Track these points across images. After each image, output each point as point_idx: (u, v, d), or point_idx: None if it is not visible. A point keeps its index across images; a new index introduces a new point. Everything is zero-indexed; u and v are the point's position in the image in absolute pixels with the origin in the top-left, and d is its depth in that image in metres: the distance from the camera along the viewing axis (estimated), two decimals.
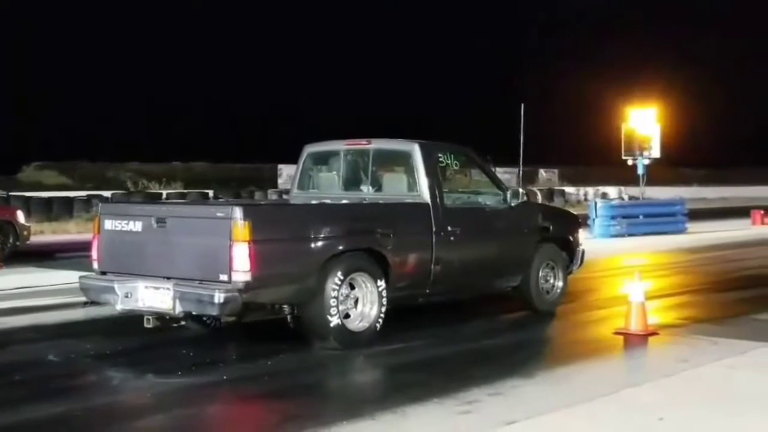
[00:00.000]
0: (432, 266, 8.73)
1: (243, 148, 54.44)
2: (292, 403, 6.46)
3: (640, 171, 26.32)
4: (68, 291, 11.29)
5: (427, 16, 71.09)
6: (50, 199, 29.29)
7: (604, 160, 42.72)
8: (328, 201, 9.31)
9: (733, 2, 65.65)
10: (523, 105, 14.45)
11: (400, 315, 8.67)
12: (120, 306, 8.04)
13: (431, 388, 6.60)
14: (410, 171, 9.08)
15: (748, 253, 17.68)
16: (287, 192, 12.04)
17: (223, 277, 7.32)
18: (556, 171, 53.79)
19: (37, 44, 58.55)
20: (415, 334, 8.75)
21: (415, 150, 9.04)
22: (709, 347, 8.16)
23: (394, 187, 9.30)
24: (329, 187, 9.81)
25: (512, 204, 9.71)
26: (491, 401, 6.29)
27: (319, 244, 7.84)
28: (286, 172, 46.19)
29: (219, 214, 7.56)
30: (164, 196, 30.36)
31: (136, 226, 8.03)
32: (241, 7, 69.35)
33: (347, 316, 8.05)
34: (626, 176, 31.93)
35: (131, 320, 8.47)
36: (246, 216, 7.32)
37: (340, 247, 7.94)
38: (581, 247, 10.76)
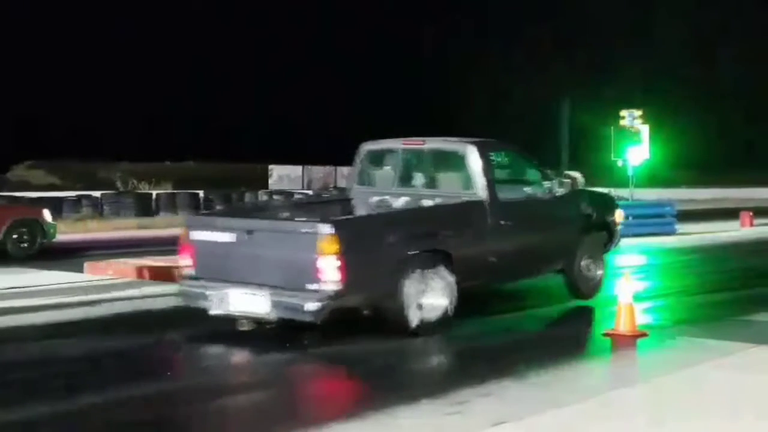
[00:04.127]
0: (488, 258, 9.33)
1: (237, 148, 54.33)
2: (279, 404, 6.48)
3: (629, 172, 26.42)
4: (61, 291, 11.34)
5: (429, 13, 70.84)
6: (39, 199, 29.16)
7: (592, 161, 42.83)
8: (387, 198, 10.06)
9: (728, 3, 65.75)
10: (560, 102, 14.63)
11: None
12: (214, 311, 8.48)
13: (421, 388, 6.63)
14: (466, 170, 9.61)
15: (736, 255, 17.77)
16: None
17: (314, 286, 7.84)
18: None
19: (31, 43, 58.31)
20: (407, 334, 8.77)
21: (472, 150, 9.60)
22: (697, 348, 8.21)
23: (450, 186, 9.83)
24: (385, 184, 10.30)
25: (558, 194, 10.28)
26: (481, 402, 6.33)
27: (397, 248, 8.41)
28: (277, 173, 46.20)
29: (307, 230, 8.06)
30: (154, 196, 30.32)
31: (226, 237, 8.50)
32: (235, 9, 69.15)
33: (421, 307, 8.54)
34: (615, 177, 32.03)
35: (123, 320, 8.50)
36: (334, 230, 7.84)
37: (415, 250, 8.53)
38: (619, 227, 11.41)
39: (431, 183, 10.07)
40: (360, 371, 7.75)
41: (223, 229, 8.61)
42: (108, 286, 12.22)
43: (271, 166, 45.30)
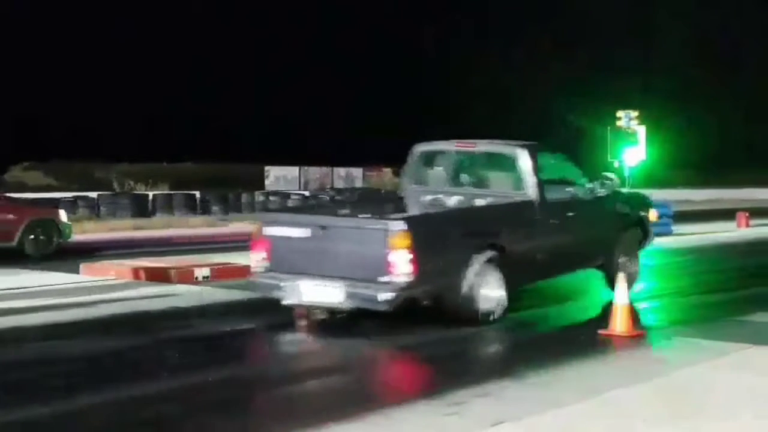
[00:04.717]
0: (537, 254, 9.89)
1: (236, 148, 54.24)
2: (275, 405, 6.50)
3: (625, 173, 26.48)
4: (58, 292, 11.34)
5: (429, 13, 70.64)
6: (36, 200, 29.11)
7: (589, 162, 42.86)
8: (441, 196, 10.61)
9: (728, 3, 65.71)
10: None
11: (387, 316, 8.76)
12: (287, 300, 9.05)
13: (419, 389, 6.65)
14: (517, 172, 10.18)
15: (732, 255, 17.80)
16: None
17: (386, 278, 8.39)
18: None
19: (31, 43, 58.23)
20: (403, 336, 8.82)
21: (523, 153, 10.18)
22: (693, 349, 8.24)
23: (502, 186, 10.41)
24: (438, 183, 10.87)
25: (599, 194, 10.86)
26: (479, 402, 6.34)
27: (460, 243, 9.00)
28: (273, 173, 46.13)
29: (381, 226, 8.60)
30: (150, 197, 30.36)
31: (300, 232, 9.03)
32: (235, 9, 69.07)
33: (480, 298, 9.09)
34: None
35: (122, 321, 8.52)
36: (407, 226, 8.43)
37: (475, 245, 9.08)
38: (652, 225, 12.09)
39: (482, 183, 10.65)
40: (348, 371, 7.78)
41: (299, 225, 9.13)
42: (105, 287, 12.24)
43: (267, 167, 45.15)
